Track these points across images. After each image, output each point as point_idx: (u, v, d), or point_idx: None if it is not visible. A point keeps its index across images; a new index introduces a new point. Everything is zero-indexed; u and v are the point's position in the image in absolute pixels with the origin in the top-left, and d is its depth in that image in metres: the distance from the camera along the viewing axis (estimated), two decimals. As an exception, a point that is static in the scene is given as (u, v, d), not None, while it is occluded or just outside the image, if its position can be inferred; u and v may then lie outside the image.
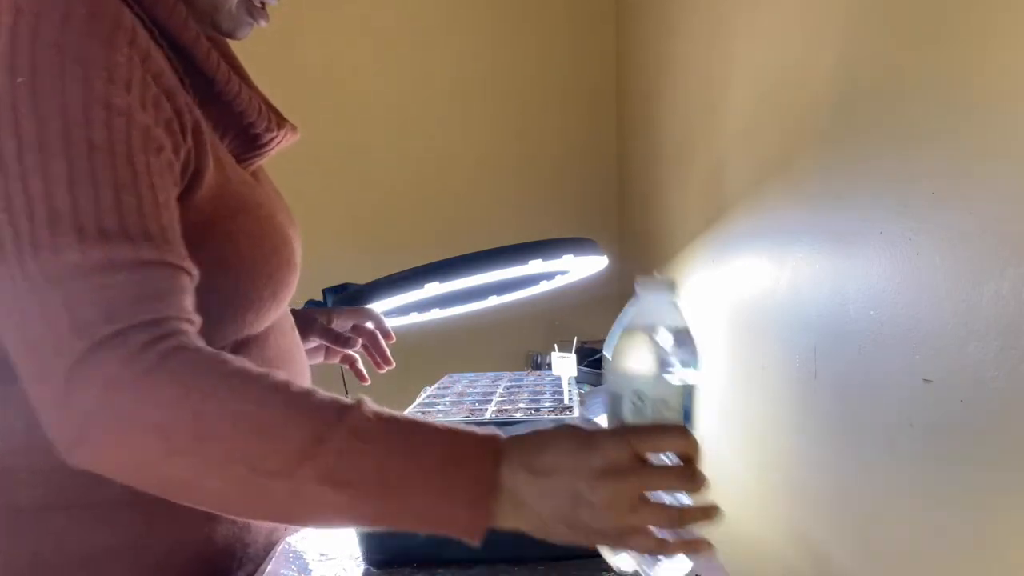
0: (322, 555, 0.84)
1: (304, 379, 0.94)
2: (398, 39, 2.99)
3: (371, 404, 0.60)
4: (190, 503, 0.60)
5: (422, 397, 1.60)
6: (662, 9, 2.07)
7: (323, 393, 0.60)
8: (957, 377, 0.71)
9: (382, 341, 1.17)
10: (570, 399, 1.43)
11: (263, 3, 0.82)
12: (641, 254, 2.47)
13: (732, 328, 1.45)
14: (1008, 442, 0.64)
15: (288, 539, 0.89)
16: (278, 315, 0.83)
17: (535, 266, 1.25)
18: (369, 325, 1.17)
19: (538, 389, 1.61)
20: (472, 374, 1.91)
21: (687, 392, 0.58)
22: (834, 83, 0.97)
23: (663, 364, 0.57)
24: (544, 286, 1.57)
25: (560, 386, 1.53)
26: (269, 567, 0.82)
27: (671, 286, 0.59)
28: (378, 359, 1.17)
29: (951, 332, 0.71)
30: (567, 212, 2.90)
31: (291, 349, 0.88)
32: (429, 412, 1.40)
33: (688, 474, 0.58)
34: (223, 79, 0.75)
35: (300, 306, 1.21)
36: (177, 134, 0.65)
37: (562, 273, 1.49)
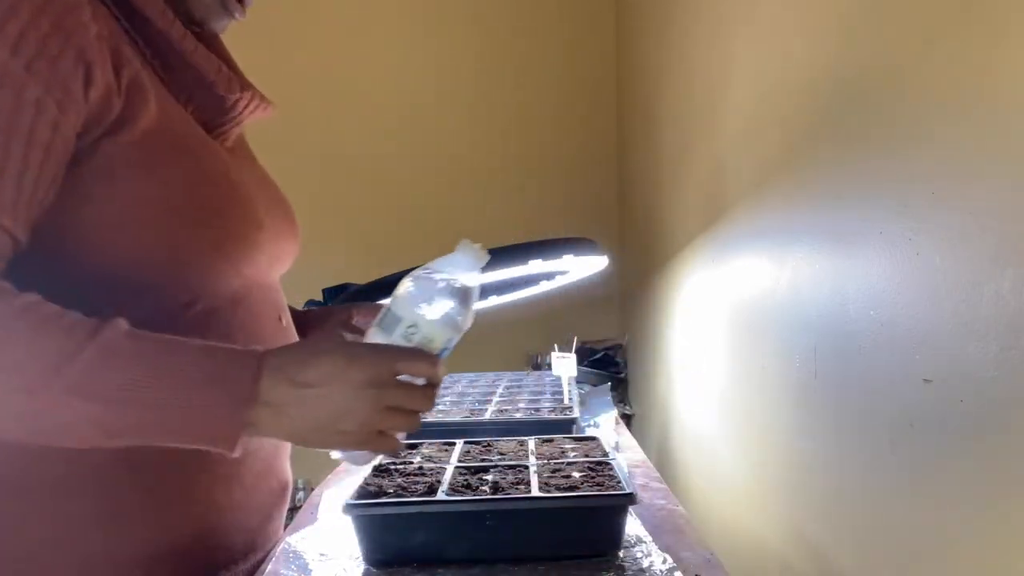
0: (322, 555, 0.84)
1: None
2: (397, 41, 2.99)
3: (127, 325, 0.62)
4: None
5: (422, 397, 1.61)
6: (662, 9, 2.07)
7: (80, 316, 0.61)
8: (957, 377, 0.71)
9: None
10: (570, 399, 1.43)
11: None
12: (641, 254, 2.47)
13: (732, 328, 1.45)
14: (1008, 442, 0.65)
15: (288, 539, 0.89)
16: (238, 285, 0.80)
17: (535, 266, 1.25)
18: None
19: (538, 389, 1.61)
20: (472, 374, 1.91)
21: (449, 340, 0.68)
22: (834, 83, 0.97)
23: (443, 312, 0.67)
24: (544, 286, 1.57)
25: (560, 386, 1.54)
26: (269, 567, 0.82)
27: (483, 258, 0.69)
28: None
29: (951, 332, 0.71)
30: (567, 212, 2.90)
31: (265, 336, 0.84)
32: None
33: (430, 395, 0.67)
34: (177, 35, 0.76)
35: (299, 307, 1.21)
36: (79, 91, 0.65)
37: (562, 273, 1.49)
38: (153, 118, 0.72)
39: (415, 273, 0.69)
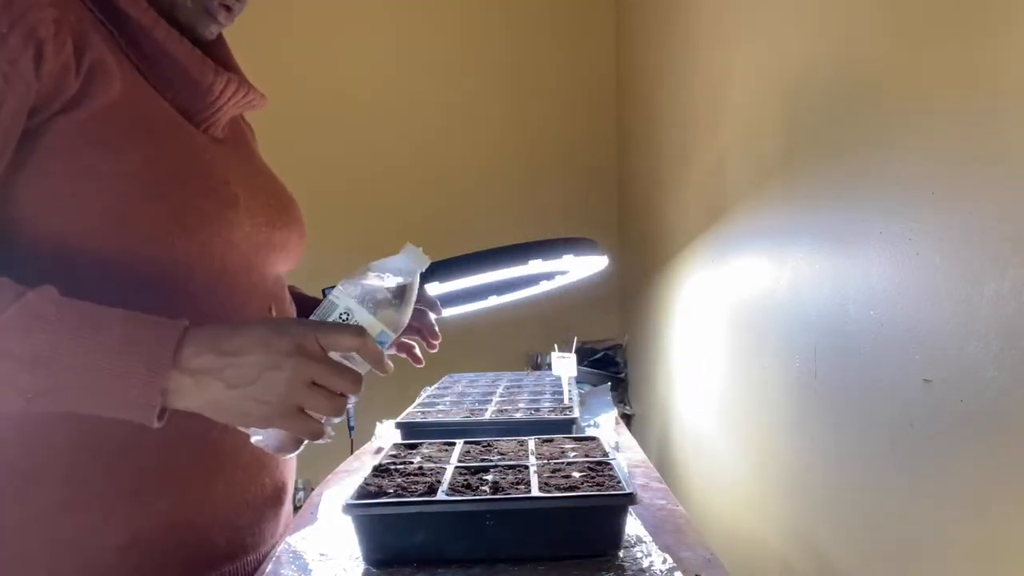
0: (322, 555, 0.84)
1: None
2: (398, 42, 2.99)
3: (56, 293, 0.62)
4: None
5: (422, 397, 1.61)
6: (662, 9, 2.07)
7: (10, 281, 0.62)
8: (957, 377, 0.71)
9: (432, 319, 1.16)
10: (570, 399, 1.43)
11: (222, 2, 0.83)
12: (641, 254, 2.47)
13: (732, 328, 1.45)
14: (1008, 442, 0.65)
15: (288, 539, 0.89)
16: (215, 267, 0.78)
17: (535, 266, 1.25)
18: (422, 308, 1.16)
19: (538, 389, 1.61)
20: (472, 374, 1.92)
21: (382, 333, 0.70)
22: (834, 83, 0.97)
23: (378, 305, 0.69)
24: (544, 286, 1.57)
25: (560, 386, 1.54)
26: (269, 567, 0.82)
27: (423, 263, 0.73)
28: (431, 335, 1.17)
29: (951, 332, 0.71)
30: (567, 212, 2.90)
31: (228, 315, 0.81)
32: (429, 412, 1.40)
33: (357, 379, 0.67)
34: (149, 23, 0.76)
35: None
36: (28, 67, 0.66)
37: (562, 273, 1.49)
38: (115, 98, 0.73)
39: (359, 269, 0.72)
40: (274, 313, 0.89)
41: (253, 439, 0.70)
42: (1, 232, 0.69)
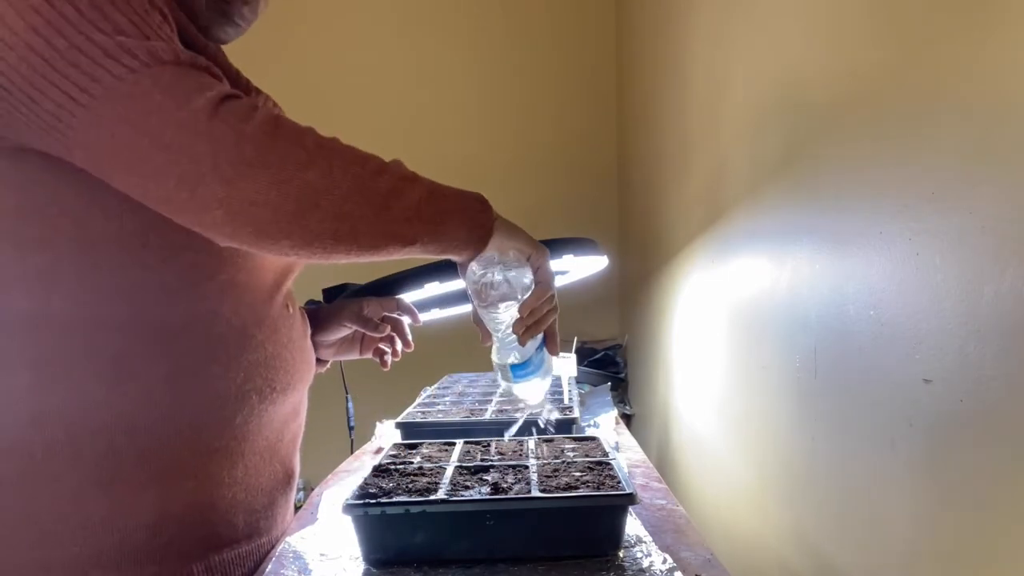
0: (322, 555, 0.85)
1: (302, 381, 0.95)
2: (397, 42, 2.99)
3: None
4: (309, 224, 0.68)
5: (422, 397, 1.61)
6: (662, 9, 2.07)
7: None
8: (957, 377, 0.71)
9: (406, 328, 1.22)
10: (570, 399, 1.43)
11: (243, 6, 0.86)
12: (641, 254, 2.47)
13: (732, 328, 1.45)
14: (1008, 442, 0.65)
15: (288, 539, 0.89)
16: (226, 254, 0.82)
17: (535, 266, 1.25)
18: (400, 317, 1.20)
19: (538, 389, 1.61)
20: (472, 374, 1.92)
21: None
22: (834, 83, 0.97)
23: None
24: (544, 286, 1.57)
25: (560, 386, 1.54)
26: (269, 567, 0.82)
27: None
28: (404, 343, 1.24)
29: (951, 332, 0.71)
30: (567, 212, 2.90)
31: (256, 306, 0.87)
32: (429, 412, 1.40)
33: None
34: (182, 23, 0.78)
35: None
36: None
37: (562, 273, 1.49)
38: None
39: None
40: (290, 310, 0.94)
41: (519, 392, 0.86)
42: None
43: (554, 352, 0.88)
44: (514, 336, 0.82)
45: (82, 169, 0.69)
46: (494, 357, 0.86)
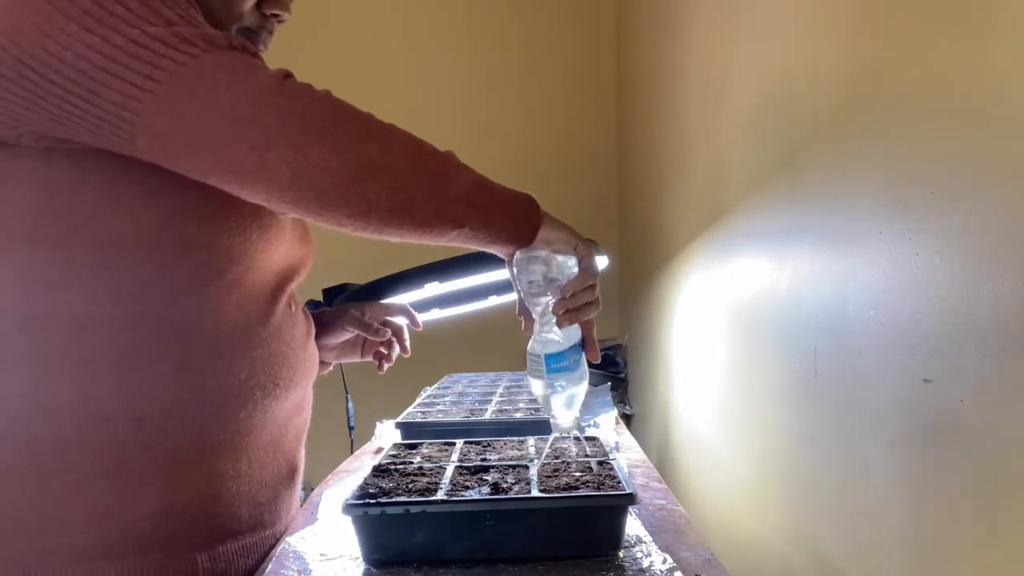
0: (322, 555, 0.85)
1: (306, 378, 0.96)
2: (398, 41, 2.99)
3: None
4: (367, 194, 0.71)
5: (422, 397, 1.61)
6: (662, 9, 2.07)
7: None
8: (957, 377, 0.71)
9: (406, 333, 1.25)
10: (570, 399, 1.43)
11: (272, 21, 0.92)
12: (641, 254, 2.47)
13: (732, 328, 1.45)
14: (1008, 442, 0.65)
15: (288, 539, 0.89)
16: (234, 246, 0.83)
17: (535, 266, 1.25)
18: (398, 320, 1.22)
19: (538, 389, 1.61)
20: (472, 374, 1.92)
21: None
22: (834, 83, 0.97)
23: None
24: (544, 286, 1.57)
25: (560, 386, 1.53)
26: (269, 567, 0.82)
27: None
28: (401, 349, 1.26)
29: (951, 332, 0.71)
30: (567, 212, 2.89)
31: (261, 302, 0.89)
32: (429, 412, 1.40)
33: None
34: None
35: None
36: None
37: (562, 273, 1.49)
38: None
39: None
40: (293, 310, 0.95)
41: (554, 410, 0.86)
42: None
43: (594, 357, 0.89)
44: (554, 323, 0.84)
45: (105, 166, 0.72)
46: (530, 348, 0.86)
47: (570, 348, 0.84)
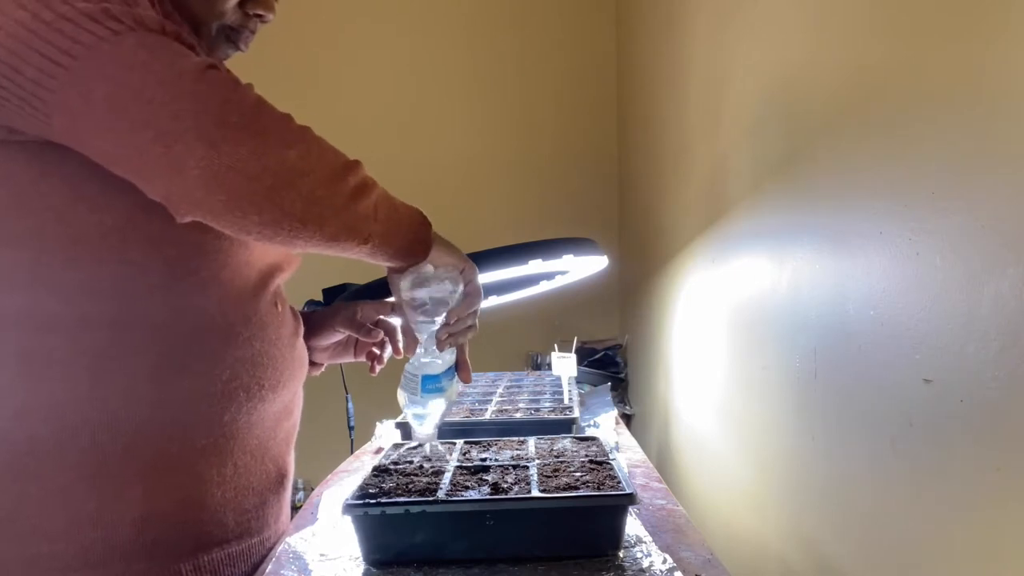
0: (322, 555, 0.84)
1: (293, 379, 0.95)
2: (398, 41, 2.99)
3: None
4: (282, 203, 0.67)
5: (422, 397, 1.61)
6: (662, 9, 2.07)
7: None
8: (957, 377, 0.71)
9: (399, 333, 1.21)
10: (570, 399, 1.43)
11: (254, 21, 0.89)
12: (641, 254, 2.47)
13: (732, 328, 1.45)
14: (1008, 442, 0.65)
15: (288, 539, 0.89)
16: (218, 241, 0.82)
17: (535, 266, 1.25)
18: (393, 320, 1.19)
19: (538, 389, 1.61)
20: (472, 374, 1.91)
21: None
22: (834, 84, 0.97)
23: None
24: (544, 286, 1.57)
25: (560, 386, 1.54)
26: (269, 567, 0.82)
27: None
28: (394, 350, 1.23)
29: (951, 332, 0.71)
30: (567, 212, 2.90)
31: (244, 301, 0.87)
32: (429, 412, 1.40)
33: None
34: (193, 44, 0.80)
35: (299, 307, 1.22)
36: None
37: (562, 273, 1.49)
38: None
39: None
40: (279, 309, 0.93)
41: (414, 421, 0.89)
42: None
43: (466, 379, 0.91)
44: (435, 347, 0.87)
45: (65, 161, 0.69)
46: (408, 367, 0.89)
47: (445, 371, 0.88)
